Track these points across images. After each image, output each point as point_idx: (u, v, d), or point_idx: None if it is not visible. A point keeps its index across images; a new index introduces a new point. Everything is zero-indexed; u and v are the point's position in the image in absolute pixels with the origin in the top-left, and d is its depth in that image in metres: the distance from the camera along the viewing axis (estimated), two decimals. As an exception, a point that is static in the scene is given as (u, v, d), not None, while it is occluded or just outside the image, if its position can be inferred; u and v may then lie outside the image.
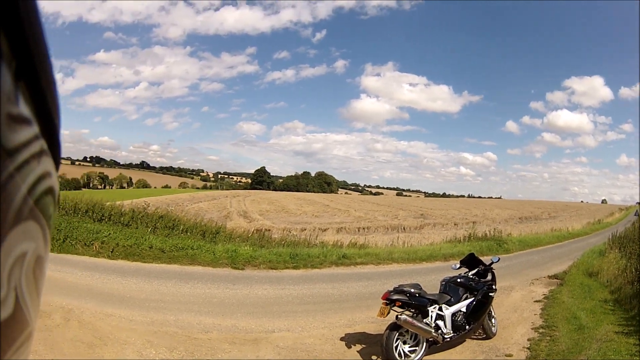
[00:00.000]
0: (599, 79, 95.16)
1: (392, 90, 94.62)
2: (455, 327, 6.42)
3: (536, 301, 9.35)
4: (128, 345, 6.47)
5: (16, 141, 0.35)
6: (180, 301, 8.58)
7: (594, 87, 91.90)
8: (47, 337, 6.38)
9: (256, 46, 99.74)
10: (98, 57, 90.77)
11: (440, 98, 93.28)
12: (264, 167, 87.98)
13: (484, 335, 7.10)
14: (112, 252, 11.49)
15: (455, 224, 28.63)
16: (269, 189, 76.63)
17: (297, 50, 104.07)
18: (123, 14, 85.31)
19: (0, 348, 0.36)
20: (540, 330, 7.37)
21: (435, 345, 6.22)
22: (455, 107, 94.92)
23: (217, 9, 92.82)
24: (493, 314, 7.28)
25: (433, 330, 6.08)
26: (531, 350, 6.55)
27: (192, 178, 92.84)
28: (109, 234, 12.38)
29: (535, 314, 8.38)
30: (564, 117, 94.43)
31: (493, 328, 7.20)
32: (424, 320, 6.10)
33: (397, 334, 5.89)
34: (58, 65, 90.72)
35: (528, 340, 6.98)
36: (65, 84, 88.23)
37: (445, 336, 6.25)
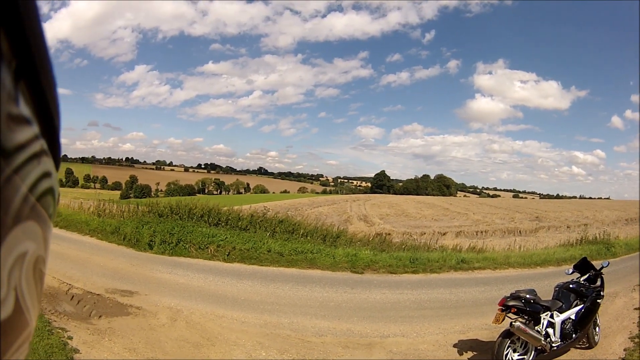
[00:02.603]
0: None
1: (504, 88, 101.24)
2: (564, 335, 6.96)
3: (636, 308, 9.72)
4: (237, 346, 7.00)
5: (16, 141, 0.39)
6: (296, 304, 9.25)
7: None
8: (149, 336, 7.07)
9: (368, 50, 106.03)
10: (207, 68, 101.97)
11: (550, 94, 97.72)
12: (383, 171, 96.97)
13: (587, 344, 7.59)
14: (227, 255, 12.64)
15: (568, 227, 30.09)
16: (389, 193, 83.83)
17: (408, 52, 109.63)
18: (227, 26, 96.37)
19: (0, 348, 0.40)
20: (636, 340, 7.87)
21: (542, 353, 6.72)
22: (565, 104, 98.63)
23: (324, 16, 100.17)
24: (598, 322, 7.76)
25: (543, 339, 6.58)
26: (625, 360, 7.23)
27: (312, 183, 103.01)
28: (226, 237, 13.61)
29: (633, 322, 8.86)
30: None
31: (596, 337, 7.70)
32: (536, 327, 6.63)
33: (509, 341, 6.50)
34: (164, 77, 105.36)
35: (624, 350, 7.50)
36: (173, 96, 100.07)
37: (553, 345, 6.76)
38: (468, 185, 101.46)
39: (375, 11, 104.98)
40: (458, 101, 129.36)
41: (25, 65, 0.42)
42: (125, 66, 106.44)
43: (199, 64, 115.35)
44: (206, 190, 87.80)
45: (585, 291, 7.36)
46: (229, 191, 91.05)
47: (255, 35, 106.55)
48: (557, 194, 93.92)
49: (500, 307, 6.60)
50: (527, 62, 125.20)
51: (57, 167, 0.51)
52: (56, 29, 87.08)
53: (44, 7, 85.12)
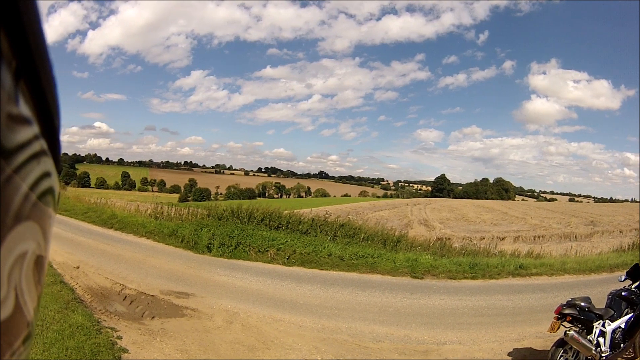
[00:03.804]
0: None
1: (558, 88, 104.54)
2: (613, 344, 6.89)
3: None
4: (293, 350, 7.10)
5: (16, 141, 0.41)
6: (355, 309, 9.38)
7: None
8: (203, 338, 7.23)
9: (424, 52, 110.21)
10: (265, 73, 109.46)
11: (602, 94, 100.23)
12: (444, 175, 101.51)
13: (632, 355, 7.45)
14: (287, 259, 13.00)
15: (620, 232, 30.61)
16: (449, 197, 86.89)
17: (464, 53, 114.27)
18: (283, 31, 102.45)
19: (0, 348, 0.42)
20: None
21: None
22: (616, 103, 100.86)
23: (378, 19, 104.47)
24: None
25: (594, 348, 6.64)
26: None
27: (373, 187, 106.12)
28: (286, 241, 14.03)
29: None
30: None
31: None
32: (588, 336, 6.71)
33: (562, 351, 6.68)
34: (222, 82, 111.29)
35: (669, 362, 7.32)
36: (232, 100, 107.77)
37: (602, 355, 6.75)
38: (526, 188, 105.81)
39: (428, 13, 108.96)
40: (515, 102, 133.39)
41: (25, 65, 0.44)
42: (181, 72, 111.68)
43: (256, 69, 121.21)
44: (267, 194, 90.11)
45: (636, 299, 7.30)
46: (289, 195, 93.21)
47: (312, 40, 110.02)
48: (611, 197, 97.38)
49: (556, 315, 6.78)
50: (577, 61, 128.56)
51: (57, 167, 0.53)
52: (107, 36, 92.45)
53: (92, 15, 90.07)
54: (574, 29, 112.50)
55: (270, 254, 13.39)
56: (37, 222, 0.47)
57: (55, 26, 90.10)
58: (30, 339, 0.51)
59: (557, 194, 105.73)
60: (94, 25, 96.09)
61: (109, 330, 7.25)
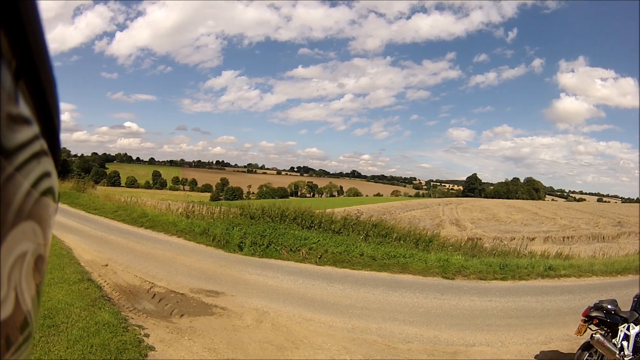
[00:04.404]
0: None
1: (586, 86, 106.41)
2: (636, 348, 6.84)
3: None
4: (322, 350, 7.16)
5: (16, 141, 0.42)
6: (385, 309, 9.46)
7: None
8: (231, 337, 7.31)
9: (455, 51, 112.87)
10: (297, 73, 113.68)
11: (628, 92, 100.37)
12: (475, 174, 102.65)
13: None
14: (319, 258, 13.14)
15: None
16: (480, 196, 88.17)
17: (494, 51, 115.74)
18: (313, 31, 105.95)
19: (0, 348, 0.43)
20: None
21: None
22: None
23: (408, 17, 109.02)
24: None
25: (617, 352, 6.64)
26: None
27: (405, 186, 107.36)
28: (318, 240, 14.23)
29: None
30: None
31: None
32: (613, 340, 6.75)
33: (588, 354, 6.79)
34: (253, 82, 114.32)
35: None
36: (264, 100, 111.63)
37: (625, 358, 6.72)
38: (556, 188, 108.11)
39: (458, 11, 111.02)
40: (544, 101, 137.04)
41: (25, 65, 0.44)
42: (211, 72, 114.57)
43: (288, 69, 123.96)
44: (299, 193, 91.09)
45: None
46: (322, 194, 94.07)
47: (343, 39, 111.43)
48: (637, 198, 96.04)
49: (584, 318, 6.90)
50: (604, 59, 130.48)
51: (57, 167, 0.54)
52: (135, 37, 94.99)
53: (119, 17, 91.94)
54: (599, 26, 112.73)
55: (302, 253, 13.57)
56: (37, 222, 0.48)
57: (81, 28, 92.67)
58: (31, 338, 0.52)
59: (585, 194, 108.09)
60: (122, 27, 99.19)
61: (136, 328, 7.37)
